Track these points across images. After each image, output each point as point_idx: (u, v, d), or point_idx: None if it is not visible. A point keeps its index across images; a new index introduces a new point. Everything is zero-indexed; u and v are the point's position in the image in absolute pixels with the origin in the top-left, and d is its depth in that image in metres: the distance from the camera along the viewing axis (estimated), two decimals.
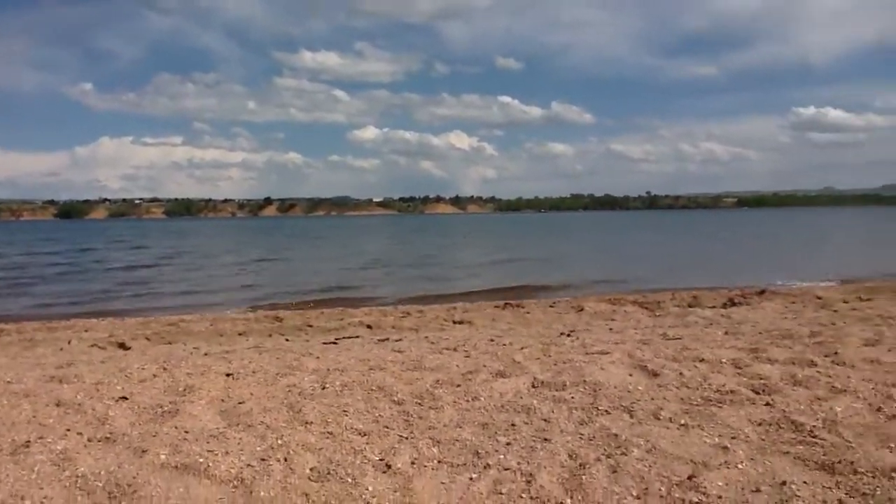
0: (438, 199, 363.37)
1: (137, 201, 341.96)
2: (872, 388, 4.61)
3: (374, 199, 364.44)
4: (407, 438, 3.90)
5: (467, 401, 4.63)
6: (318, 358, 6.52)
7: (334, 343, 8.31)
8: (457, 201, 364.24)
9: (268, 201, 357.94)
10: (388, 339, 8.61)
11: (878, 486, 3.00)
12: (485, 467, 3.45)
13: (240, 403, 4.62)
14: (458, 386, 4.98)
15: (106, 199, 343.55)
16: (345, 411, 4.41)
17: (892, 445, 3.50)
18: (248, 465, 3.47)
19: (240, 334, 10.39)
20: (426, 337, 8.69)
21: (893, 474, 3.11)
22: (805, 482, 3.09)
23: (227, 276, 25.41)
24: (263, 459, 3.54)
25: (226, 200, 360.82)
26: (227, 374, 5.62)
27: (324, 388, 5.07)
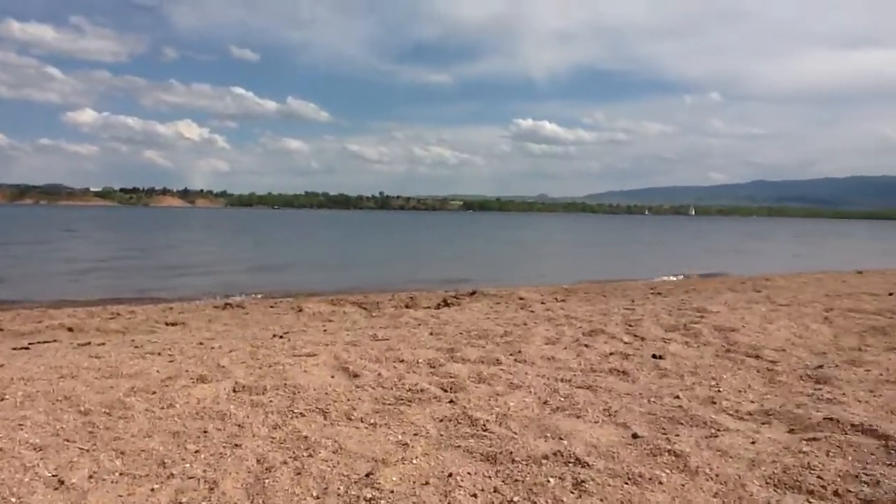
0: (165, 192, 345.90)
1: None
2: (544, 384, 5.16)
3: (92, 189, 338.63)
4: (88, 451, 3.73)
5: (161, 408, 4.51)
6: (1, 366, 6.01)
7: (26, 349, 7.67)
8: (185, 194, 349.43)
9: None
10: (89, 343, 8.10)
11: (528, 473, 3.38)
12: (168, 477, 3.40)
13: None
14: (154, 393, 4.84)
15: None
16: (21, 425, 4.11)
17: (549, 435, 3.96)
18: None
19: None
20: (132, 340, 8.28)
21: (544, 461, 3.52)
22: (469, 473, 3.40)
23: None
24: None
25: None
26: None
27: (2, 400, 4.69)
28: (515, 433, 4.02)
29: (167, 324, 10.70)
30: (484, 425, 4.16)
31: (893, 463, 3.45)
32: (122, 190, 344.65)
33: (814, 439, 3.83)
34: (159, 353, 6.59)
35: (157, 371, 5.56)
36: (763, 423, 4.22)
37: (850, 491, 3.14)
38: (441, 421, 4.28)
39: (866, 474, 3.29)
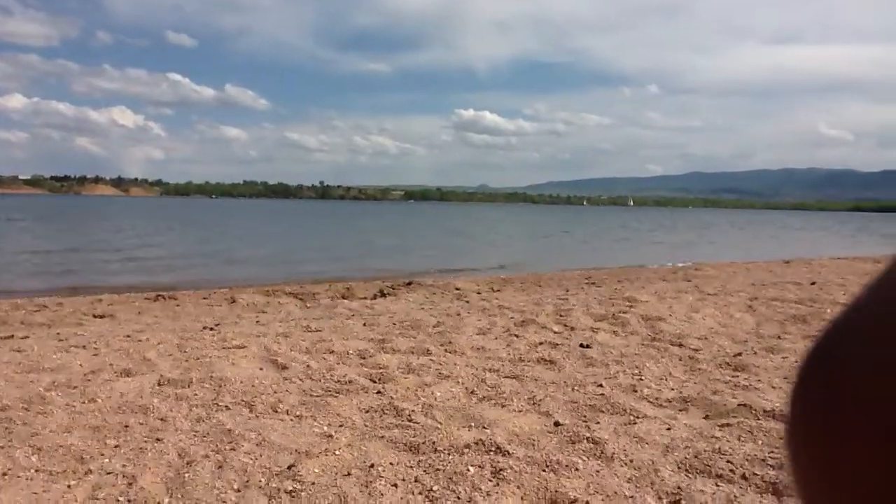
0: (98, 180, 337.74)
1: None
2: (472, 374, 5.22)
3: (21, 177, 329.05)
4: (3, 448, 3.65)
5: (82, 403, 4.43)
6: None
7: None
8: (119, 183, 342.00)
9: None
10: (12, 336, 7.85)
11: (449, 462, 3.43)
12: (86, 473, 3.35)
13: None
14: (76, 387, 4.75)
15: None
16: None
17: (472, 425, 4.02)
18: None
19: None
20: (58, 333, 8.07)
21: (465, 450, 3.58)
22: (391, 463, 3.44)
23: None
24: None
25: None
26: None
27: None
28: (440, 423, 4.07)
29: (95, 316, 10.44)
30: (409, 416, 4.19)
31: None
32: (52, 178, 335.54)
33: (727, 425, 3.97)
34: (84, 347, 6.45)
35: (81, 365, 5.45)
36: (681, 410, 4.35)
37: (756, 474, 3.27)
38: (367, 412, 4.30)
39: (773, 458, 3.43)
